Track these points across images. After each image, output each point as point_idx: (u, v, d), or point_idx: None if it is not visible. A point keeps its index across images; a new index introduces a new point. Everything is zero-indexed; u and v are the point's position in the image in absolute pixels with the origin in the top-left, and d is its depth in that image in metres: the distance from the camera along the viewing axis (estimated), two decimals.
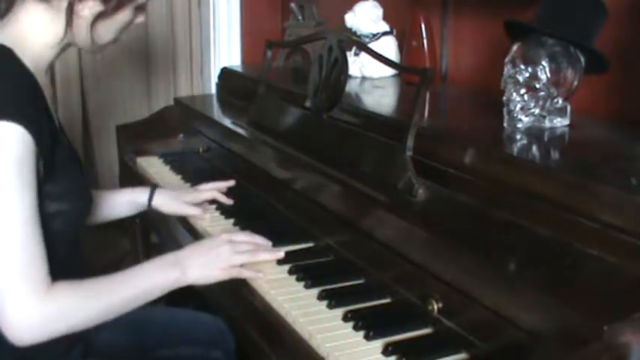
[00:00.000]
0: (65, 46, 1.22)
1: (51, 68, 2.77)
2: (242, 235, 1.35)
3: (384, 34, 2.04)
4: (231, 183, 1.68)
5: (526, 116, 1.34)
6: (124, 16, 1.22)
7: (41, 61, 1.18)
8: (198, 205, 1.62)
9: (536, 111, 1.34)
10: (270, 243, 1.36)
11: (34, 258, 1.06)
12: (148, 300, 1.20)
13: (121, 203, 1.58)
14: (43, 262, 1.07)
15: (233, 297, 1.32)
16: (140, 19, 1.27)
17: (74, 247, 1.23)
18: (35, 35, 1.16)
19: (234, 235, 1.33)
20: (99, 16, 1.18)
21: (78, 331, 1.13)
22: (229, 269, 1.27)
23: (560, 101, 1.35)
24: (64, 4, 1.14)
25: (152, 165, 2.08)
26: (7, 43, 1.12)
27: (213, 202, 1.66)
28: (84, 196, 1.23)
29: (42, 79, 1.17)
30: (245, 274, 1.28)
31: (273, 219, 1.52)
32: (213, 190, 1.65)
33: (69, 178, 1.17)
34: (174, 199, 1.61)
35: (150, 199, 1.59)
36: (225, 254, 1.27)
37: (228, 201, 1.64)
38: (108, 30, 1.22)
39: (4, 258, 1.04)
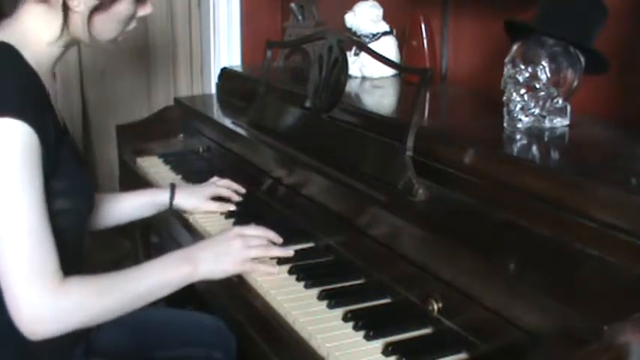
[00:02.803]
0: (69, 44, 1.20)
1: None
2: (253, 229, 1.34)
3: (384, 34, 2.04)
4: (243, 190, 1.68)
5: (526, 116, 1.34)
6: (122, 9, 1.19)
7: (44, 59, 1.17)
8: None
9: (536, 111, 1.34)
10: (281, 239, 1.35)
11: (45, 252, 1.06)
12: (161, 296, 1.20)
13: (142, 204, 1.58)
14: (54, 255, 1.07)
15: (233, 297, 1.32)
16: (143, 12, 1.24)
17: (77, 247, 1.23)
18: (36, 34, 1.15)
19: (245, 229, 1.33)
20: (95, 10, 1.16)
21: (80, 331, 1.13)
22: (242, 263, 1.26)
23: (560, 101, 1.35)
24: (61, 1, 1.14)
25: (152, 165, 2.08)
26: (11, 42, 1.12)
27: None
28: (87, 195, 1.23)
29: (46, 78, 1.16)
30: (260, 268, 1.27)
31: (273, 219, 1.52)
32: (229, 188, 1.66)
33: (72, 176, 1.17)
34: (194, 195, 1.63)
35: (171, 198, 1.60)
36: (235, 248, 1.27)
37: (231, 206, 1.63)
38: (106, 25, 1.20)
39: (15, 252, 1.04)
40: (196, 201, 1.61)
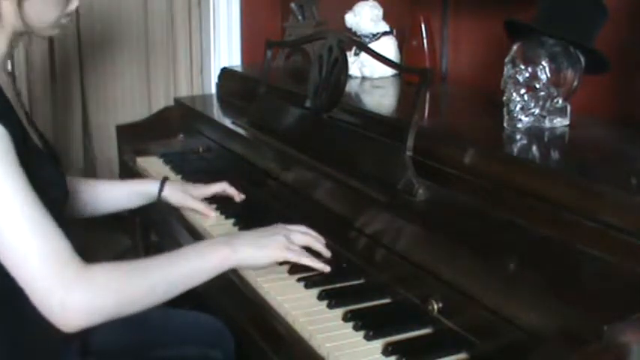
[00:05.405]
0: (14, 38, 1.16)
1: (51, 68, 2.78)
2: (297, 226, 1.33)
3: (384, 34, 2.04)
4: (242, 196, 1.67)
5: (526, 116, 1.34)
6: None
7: None
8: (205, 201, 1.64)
9: (536, 111, 1.34)
10: (322, 239, 1.33)
11: (53, 240, 1.03)
12: (199, 281, 1.17)
13: (132, 193, 1.60)
14: (65, 242, 1.05)
15: (232, 297, 1.32)
16: None
17: None
18: None
19: (290, 225, 1.32)
20: None
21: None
22: (286, 250, 1.25)
23: (560, 101, 1.35)
24: None
25: (152, 165, 2.08)
26: None
27: (213, 201, 1.66)
28: (58, 185, 1.19)
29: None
30: (302, 259, 1.26)
31: (272, 219, 1.52)
32: (223, 185, 1.67)
33: (42, 171, 1.13)
34: (183, 191, 1.64)
35: (160, 190, 1.61)
36: (281, 238, 1.26)
37: (237, 195, 1.65)
38: (38, 10, 1.13)
39: (23, 247, 1.01)
40: (183, 198, 1.63)
